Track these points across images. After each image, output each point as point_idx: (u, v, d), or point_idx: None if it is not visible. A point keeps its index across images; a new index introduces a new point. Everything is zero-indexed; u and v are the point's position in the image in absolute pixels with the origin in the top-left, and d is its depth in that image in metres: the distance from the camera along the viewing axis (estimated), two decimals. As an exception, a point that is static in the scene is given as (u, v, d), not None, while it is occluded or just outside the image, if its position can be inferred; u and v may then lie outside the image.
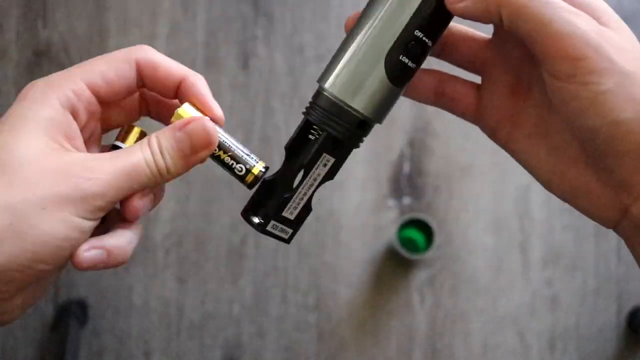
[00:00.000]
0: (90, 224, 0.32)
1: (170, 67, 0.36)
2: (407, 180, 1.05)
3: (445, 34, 0.37)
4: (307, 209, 0.36)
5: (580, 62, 0.30)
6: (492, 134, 0.38)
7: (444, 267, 1.03)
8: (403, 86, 0.35)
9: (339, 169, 0.36)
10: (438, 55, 0.39)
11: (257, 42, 1.05)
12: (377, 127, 0.37)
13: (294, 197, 0.36)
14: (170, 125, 0.35)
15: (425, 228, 0.98)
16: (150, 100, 0.39)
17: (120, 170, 0.33)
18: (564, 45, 0.30)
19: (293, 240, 0.37)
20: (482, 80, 0.38)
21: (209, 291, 1.02)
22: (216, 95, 0.35)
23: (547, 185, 0.36)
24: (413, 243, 0.99)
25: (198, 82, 0.36)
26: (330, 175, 0.36)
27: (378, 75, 0.34)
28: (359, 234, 1.03)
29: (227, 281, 1.03)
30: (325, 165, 0.35)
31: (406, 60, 0.34)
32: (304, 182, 0.35)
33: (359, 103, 0.34)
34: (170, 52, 1.02)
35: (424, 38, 0.34)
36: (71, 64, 1.10)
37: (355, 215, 1.03)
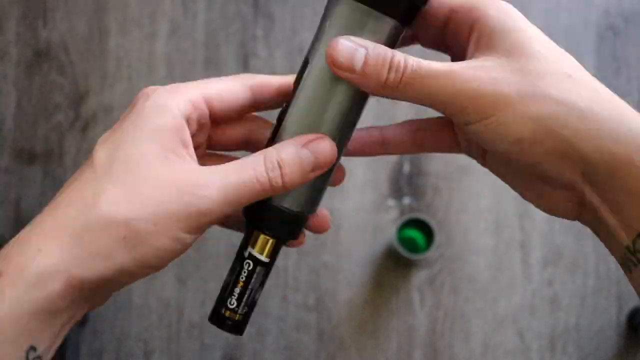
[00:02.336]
0: (193, 237, 0.34)
1: (283, 78, 0.39)
2: (407, 180, 1.05)
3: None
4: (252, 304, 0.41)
5: (464, 111, 0.33)
6: (481, 160, 0.41)
7: (444, 267, 1.03)
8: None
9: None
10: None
11: (257, 42, 1.05)
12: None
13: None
14: (290, 140, 0.36)
15: (425, 228, 0.98)
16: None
17: (231, 186, 0.33)
18: (447, 108, 0.34)
19: None
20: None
21: (209, 291, 1.02)
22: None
23: (522, 196, 0.39)
24: (413, 243, 0.99)
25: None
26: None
27: None
28: (359, 234, 1.03)
29: (227, 281, 1.03)
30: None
31: None
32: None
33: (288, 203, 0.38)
34: (170, 52, 1.02)
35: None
36: (71, 64, 1.10)
37: (355, 215, 1.03)
